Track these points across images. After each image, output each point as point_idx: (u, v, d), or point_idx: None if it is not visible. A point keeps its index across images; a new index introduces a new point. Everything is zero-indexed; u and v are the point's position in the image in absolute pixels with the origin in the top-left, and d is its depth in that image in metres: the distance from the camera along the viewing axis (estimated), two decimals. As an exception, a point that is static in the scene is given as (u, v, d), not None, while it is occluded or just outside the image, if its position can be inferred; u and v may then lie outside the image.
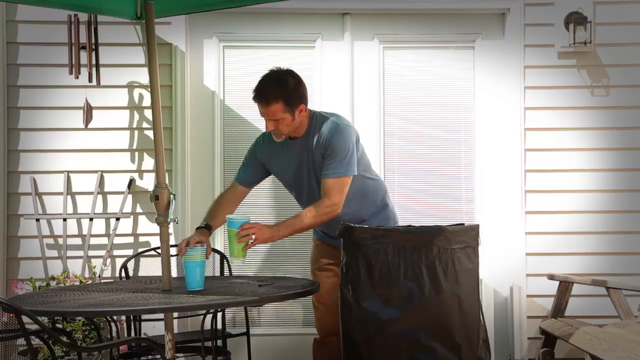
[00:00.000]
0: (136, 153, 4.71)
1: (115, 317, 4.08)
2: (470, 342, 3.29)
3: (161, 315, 3.96)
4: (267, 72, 3.49)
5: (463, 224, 3.42)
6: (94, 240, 4.65)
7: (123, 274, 4.26)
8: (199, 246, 3.28)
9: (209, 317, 4.02)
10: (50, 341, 2.83)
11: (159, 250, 4.12)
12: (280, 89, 3.38)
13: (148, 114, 4.66)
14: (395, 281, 3.22)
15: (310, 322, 4.84)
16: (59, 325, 4.25)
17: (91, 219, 4.63)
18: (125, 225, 4.68)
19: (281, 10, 4.73)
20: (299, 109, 3.43)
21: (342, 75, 4.83)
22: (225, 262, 4.40)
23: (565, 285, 4.50)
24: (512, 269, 4.77)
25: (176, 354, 3.98)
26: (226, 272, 4.38)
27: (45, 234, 4.64)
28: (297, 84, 3.45)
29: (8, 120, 4.65)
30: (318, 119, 3.53)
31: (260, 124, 4.78)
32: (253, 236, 3.28)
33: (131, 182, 4.68)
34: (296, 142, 3.53)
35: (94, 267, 4.59)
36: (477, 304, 3.34)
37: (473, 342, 3.30)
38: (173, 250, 4.45)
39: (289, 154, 3.55)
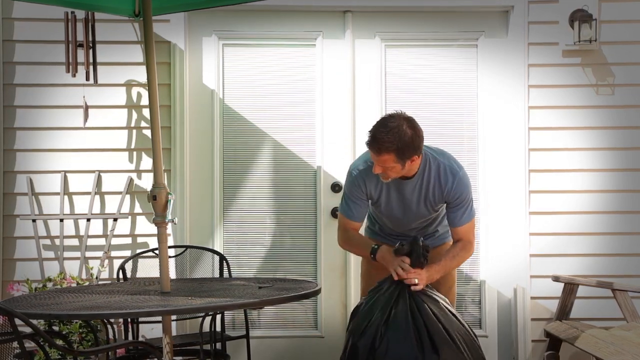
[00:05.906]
0: (134, 153, 4.65)
1: (112, 320, 4.02)
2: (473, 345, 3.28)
3: (159, 318, 3.91)
4: (386, 115, 3.31)
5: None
6: (91, 241, 4.60)
7: (121, 276, 4.22)
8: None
9: (208, 319, 3.98)
10: (46, 344, 2.76)
11: (157, 252, 4.07)
12: (395, 140, 3.20)
13: (146, 112, 4.61)
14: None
15: (310, 324, 4.79)
16: (56, 328, 4.20)
17: (88, 220, 4.58)
18: (123, 226, 4.63)
19: (281, 7, 4.67)
20: (411, 160, 3.30)
21: (343, 74, 4.77)
22: (224, 264, 4.34)
23: (570, 287, 4.45)
24: (515, 270, 4.71)
25: (175, 357, 3.93)
26: (225, 274, 4.33)
27: (41, 234, 4.59)
28: (414, 136, 3.24)
29: (4, 119, 4.60)
30: (431, 160, 3.43)
31: (259, 122, 4.78)
32: (416, 280, 3.29)
33: (129, 182, 4.62)
34: (408, 182, 3.44)
35: (91, 268, 4.54)
36: None
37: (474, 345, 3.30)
38: (171, 252, 4.42)
39: (400, 191, 3.47)
